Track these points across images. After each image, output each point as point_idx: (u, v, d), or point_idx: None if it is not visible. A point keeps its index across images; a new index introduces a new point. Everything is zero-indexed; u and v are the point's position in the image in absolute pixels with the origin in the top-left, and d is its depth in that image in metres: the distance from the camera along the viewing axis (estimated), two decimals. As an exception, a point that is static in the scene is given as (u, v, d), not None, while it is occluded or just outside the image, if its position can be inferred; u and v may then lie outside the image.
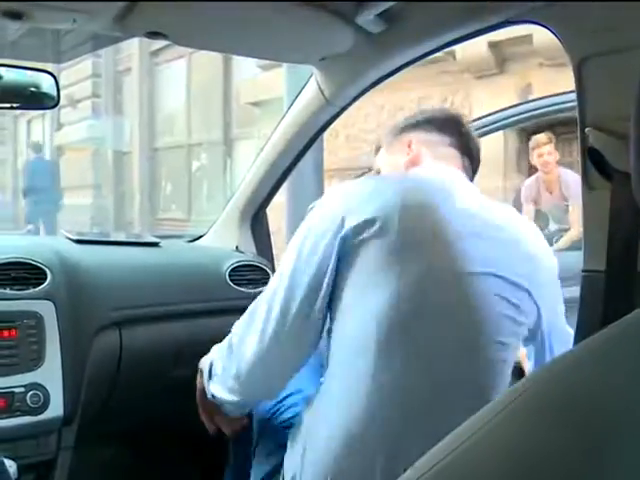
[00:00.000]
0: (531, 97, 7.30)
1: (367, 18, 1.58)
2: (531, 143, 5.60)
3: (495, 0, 1.41)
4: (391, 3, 1.51)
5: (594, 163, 1.51)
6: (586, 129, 1.50)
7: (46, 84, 1.73)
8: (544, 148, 5.39)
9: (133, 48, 12.89)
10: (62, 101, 1.88)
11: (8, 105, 1.79)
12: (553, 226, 5.70)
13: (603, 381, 0.61)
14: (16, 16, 1.44)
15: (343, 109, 2.04)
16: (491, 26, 1.59)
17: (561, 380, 0.63)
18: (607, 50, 1.43)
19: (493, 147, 7.69)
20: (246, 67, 10.28)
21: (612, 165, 1.47)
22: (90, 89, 14.52)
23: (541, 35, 1.55)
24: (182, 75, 12.65)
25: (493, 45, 6.92)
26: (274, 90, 8.76)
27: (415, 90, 8.04)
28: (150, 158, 13.54)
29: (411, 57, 1.77)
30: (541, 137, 5.42)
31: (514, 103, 7.43)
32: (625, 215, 1.46)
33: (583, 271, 1.63)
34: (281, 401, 1.69)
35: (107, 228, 13.31)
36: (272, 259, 2.51)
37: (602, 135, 1.47)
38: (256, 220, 2.47)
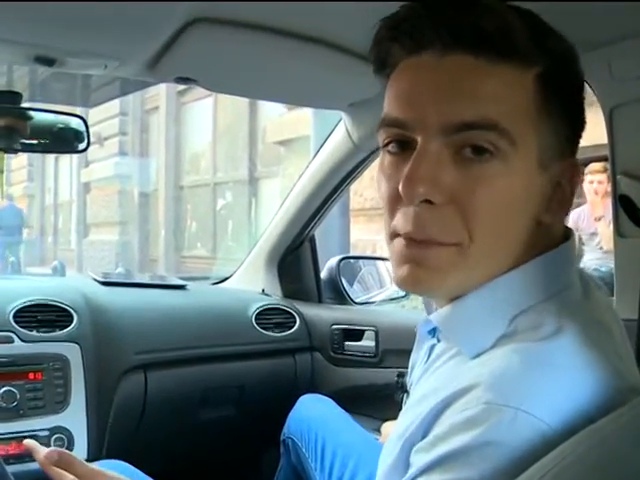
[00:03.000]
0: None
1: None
2: (586, 170, 5.71)
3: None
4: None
5: (626, 210, 1.50)
6: (617, 176, 1.49)
7: (76, 127, 1.74)
8: (597, 176, 5.48)
9: (160, 87, 13.03)
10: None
11: (39, 148, 1.80)
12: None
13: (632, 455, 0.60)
14: (49, 62, 1.46)
15: (372, 153, 2.03)
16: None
17: (602, 445, 0.62)
18: (638, 98, 1.42)
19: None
20: (272, 106, 10.34)
21: (645, 213, 1.46)
22: (117, 127, 14.68)
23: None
24: (208, 114, 12.76)
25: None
26: (300, 129, 8.83)
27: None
28: (176, 196, 13.63)
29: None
30: (597, 166, 5.53)
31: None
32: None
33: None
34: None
35: (132, 265, 13.36)
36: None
37: (634, 182, 1.46)
38: (283, 263, 2.46)
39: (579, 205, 6.23)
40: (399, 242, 0.79)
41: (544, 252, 0.81)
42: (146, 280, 2.46)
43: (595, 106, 1.53)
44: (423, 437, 0.74)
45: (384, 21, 0.81)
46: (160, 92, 13.13)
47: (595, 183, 5.57)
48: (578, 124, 0.82)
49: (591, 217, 5.68)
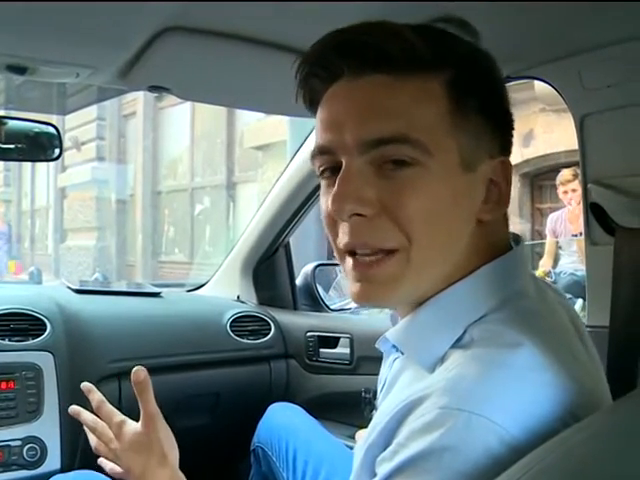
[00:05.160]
0: (533, 142, 7.35)
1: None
2: (557, 179, 5.77)
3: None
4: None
5: (597, 218, 1.51)
6: (588, 185, 1.50)
7: (49, 136, 1.73)
8: (569, 185, 5.57)
9: (138, 93, 12.99)
10: (66, 143, 1.88)
11: (14, 154, 1.79)
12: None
13: (610, 457, 0.60)
14: (20, 70, 1.45)
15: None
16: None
17: (569, 456, 0.62)
18: (609, 107, 1.43)
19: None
20: (249, 112, 10.34)
21: (615, 221, 1.47)
22: (95, 132, 14.62)
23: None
24: (186, 119, 12.73)
25: (495, 91, 6.96)
26: (277, 134, 8.84)
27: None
28: (153, 201, 13.58)
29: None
30: (566, 174, 5.59)
31: (516, 148, 7.49)
32: (629, 270, 1.45)
33: (587, 326, 1.62)
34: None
35: (109, 270, 13.29)
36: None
37: (605, 191, 1.47)
38: (258, 270, 2.46)
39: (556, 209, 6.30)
40: (349, 262, 0.83)
41: (492, 259, 0.83)
42: (122, 287, 2.45)
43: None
44: (385, 447, 0.76)
45: (300, 60, 0.87)
46: (137, 97, 13.09)
47: (570, 192, 5.61)
48: (502, 122, 0.85)
49: (569, 222, 5.74)
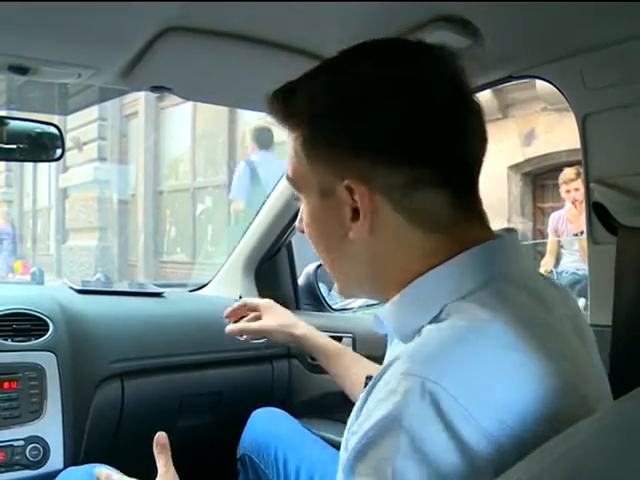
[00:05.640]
0: (534, 141, 7.35)
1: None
2: (560, 178, 5.75)
3: None
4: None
5: (599, 217, 1.51)
6: (591, 184, 1.50)
7: (51, 136, 1.73)
8: (571, 185, 5.53)
9: (139, 92, 12.98)
10: (68, 144, 1.88)
11: (16, 154, 1.79)
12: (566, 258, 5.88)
13: (612, 457, 0.60)
14: (22, 71, 1.45)
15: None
16: (495, 81, 1.60)
17: (570, 455, 0.62)
18: (611, 106, 1.43)
19: (497, 191, 7.70)
20: (251, 111, 10.32)
21: (617, 220, 1.47)
22: (96, 132, 14.61)
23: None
24: (188, 119, 12.72)
25: (497, 91, 6.96)
26: (279, 134, 8.82)
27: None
28: (155, 201, 13.57)
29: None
30: (569, 173, 5.57)
31: (518, 147, 7.50)
32: (631, 269, 1.46)
33: (589, 326, 1.62)
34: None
35: (111, 270, 13.29)
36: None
37: (607, 190, 1.47)
38: (260, 270, 2.46)
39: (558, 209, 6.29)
40: None
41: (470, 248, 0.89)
42: (125, 287, 2.45)
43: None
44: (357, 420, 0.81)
45: None
46: (139, 97, 13.07)
47: (572, 192, 5.59)
48: (345, 154, 0.90)
49: (569, 222, 5.73)
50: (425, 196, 0.88)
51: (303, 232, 1.00)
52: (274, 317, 1.67)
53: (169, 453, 1.30)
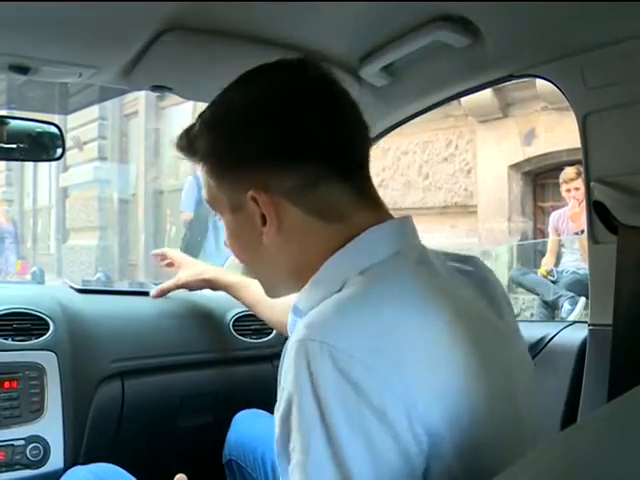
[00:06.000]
0: (535, 141, 7.34)
1: (371, 72, 1.58)
2: (560, 177, 5.75)
3: None
4: (394, 58, 1.51)
5: (600, 217, 1.51)
6: (591, 183, 1.50)
7: (51, 136, 1.73)
8: (572, 184, 5.54)
9: (139, 92, 12.99)
10: (68, 143, 1.88)
11: (16, 154, 1.79)
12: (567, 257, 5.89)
13: (611, 456, 0.60)
14: (22, 70, 1.45)
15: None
16: (495, 80, 1.59)
17: (569, 455, 0.62)
18: (611, 105, 1.43)
19: (498, 190, 7.71)
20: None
21: (618, 219, 1.47)
22: (96, 131, 14.62)
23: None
24: (187, 118, 12.72)
25: (497, 90, 6.95)
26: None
27: (419, 134, 8.09)
28: (155, 201, 13.58)
29: (416, 109, 1.78)
30: (570, 172, 5.57)
31: (518, 146, 7.50)
32: (632, 268, 1.46)
33: (590, 325, 1.62)
34: None
35: (112, 270, 13.29)
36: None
37: (607, 189, 1.47)
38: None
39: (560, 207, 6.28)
40: None
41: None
42: (125, 287, 2.45)
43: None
44: None
45: None
46: (139, 97, 13.08)
47: (572, 191, 5.58)
48: (242, 172, 1.00)
49: (571, 220, 5.72)
50: (321, 191, 0.97)
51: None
52: (186, 269, 2.06)
53: None
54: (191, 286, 2.06)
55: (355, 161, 1.01)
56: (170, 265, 2.11)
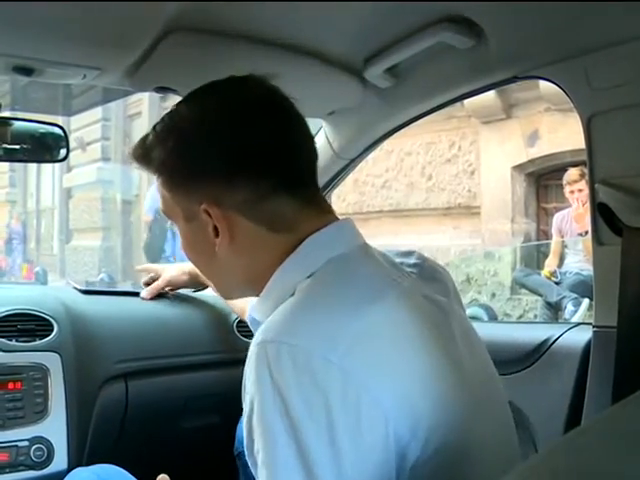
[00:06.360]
0: (538, 142, 7.34)
1: (376, 73, 1.58)
2: (564, 178, 5.75)
3: None
4: (398, 60, 1.51)
5: (604, 218, 1.51)
6: (596, 185, 1.49)
7: (55, 137, 1.73)
8: (575, 185, 5.54)
9: (143, 93, 13.00)
10: (72, 144, 1.88)
11: (20, 155, 1.79)
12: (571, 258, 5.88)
13: (617, 459, 0.60)
14: (27, 72, 1.45)
15: (352, 161, 2.04)
16: (499, 82, 1.59)
17: (575, 458, 0.62)
18: (616, 107, 1.43)
19: (501, 192, 7.70)
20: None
21: (622, 220, 1.46)
22: (100, 132, 14.64)
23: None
24: (191, 119, 12.72)
25: (500, 91, 6.95)
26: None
27: (422, 135, 8.08)
28: (158, 201, 13.58)
29: (420, 111, 1.78)
30: (573, 174, 5.57)
31: (521, 148, 7.50)
32: (636, 270, 1.45)
33: (594, 326, 1.62)
34: None
35: (115, 270, 13.30)
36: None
37: (612, 191, 1.47)
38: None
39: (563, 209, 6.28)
40: None
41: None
42: (129, 287, 2.44)
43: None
44: None
45: None
46: (143, 98, 13.09)
47: (576, 192, 5.58)
48: (194, 186, 1.04)
49: (575, 221, 5.72)
50: (270, 204, 1.01)
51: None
52: (169, 270, 2.16)
53: None
54: (176, 282, 2.15)
55: (303, 173, 1.06)
56: (155, 279, 2.17)
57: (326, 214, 1.06)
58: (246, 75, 1.07)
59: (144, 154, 1.08)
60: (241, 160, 1.01)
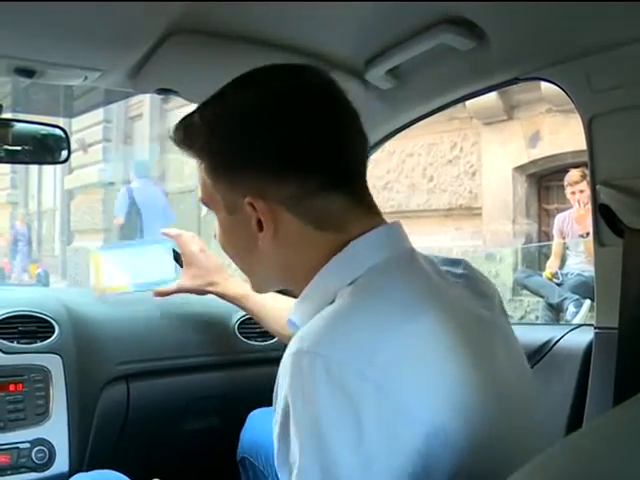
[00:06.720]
0: (539, 143, 7.34)
1: (377, 75, 1.58)
2: (565, 180, 5.76)
3: None
4: (399, 61, 1.51)
5: (605, 220, 1.51)
6: (597, 186, 1.49)
7: (57, 139, 1.73)
8: (576, 186, 5.55)
9: (144, 94, 13.01)
10: (73, 145, 1.88)
11: (22, 156, 1.79)
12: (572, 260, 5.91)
13: (618, 461, 0.60)
14: (28, 73, 1.45)
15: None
16: (501, 83, 1.59)
17: (576, 460, 0.62)
18: (618, 108, 1.43)
19: (502, 192, 7.70)
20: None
21: (623, 222, 1.46)
22: (101, 134, 14.65)
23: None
24: (192, 120, 12.73)
25: (502, 92, 6.94)
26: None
27: (424, 136, 8.08)
28: (160, 202, 13.59)
29: (421, 113, 1.78)
30: (574, 175, 5.57)
31: (523, 149, 7.50)
32: (637, 271, 1.45)
33: (595, 328, 1.62)
34: None
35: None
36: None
37: (613, 192, 1.47)
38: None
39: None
40: None
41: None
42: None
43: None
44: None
45: None
46: (144, 99, 13.10)
47: (577, 193, 5.59)
48: (240, 176, 0.99)
49: (576, 222, 5.73)
50: (318, 201, 0.97)
51: None
52: (195, 271, 1.95)
53: None
54: (193, 293, 1.99)
55: (353, 171, 1.02)
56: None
57: (374, 216, 1.02)
58: (303, 64, 1.04)
59: (187, 137, 1.03)
60: (292, 154, 0.96)
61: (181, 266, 1.99)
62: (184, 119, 1.05)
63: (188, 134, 1.03)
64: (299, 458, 0.81)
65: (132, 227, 8.76)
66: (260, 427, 1.84)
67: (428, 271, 0.99)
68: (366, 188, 1.05)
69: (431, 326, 0.88)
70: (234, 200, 1.00)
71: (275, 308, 1.83)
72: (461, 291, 1.02)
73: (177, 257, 2.01)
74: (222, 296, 1.94)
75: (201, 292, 1.96)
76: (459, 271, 1.06)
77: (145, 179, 9.16)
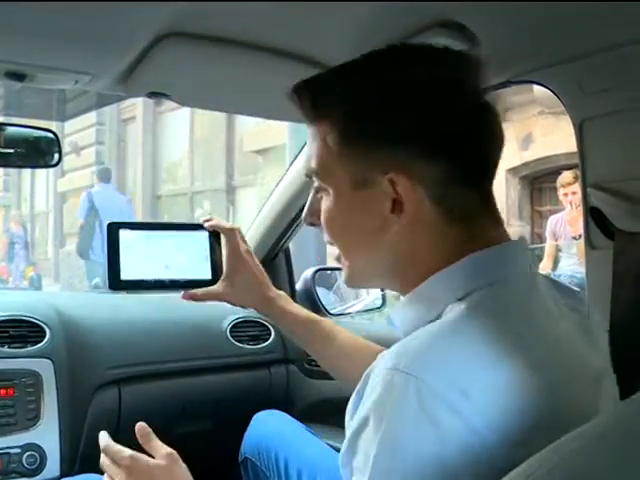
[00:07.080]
0: (532, 145, 7.35)
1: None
2: (558, 181, 5.77)
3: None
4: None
5: (596, 222, 1.51)
6: (588, 189, 1.50)
7: (49, 142, 1.73)
8: (569, 188, 5.56)
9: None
10: (65, 148, 1.87)
11: (14, 159, 1.79)
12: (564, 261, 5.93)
13: (614, 462, 0.60)
14: (19, 77, 1.44)
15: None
16: (492, 86, 1.59)
17: (572, 459, 0.62)
18: (608, 111, 1.43)
19: (495, 194, 7.71)
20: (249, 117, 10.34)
21: (614, 224, 1.47)
22: (94, 136, 14.63)
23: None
24: (185, 123, 12.74)
25: (494, 94, 6.95)
26: (276, 138, 8.84)
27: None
28: (153, 205, 13.58)
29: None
30: (567, 177, 5.59)
31: (515, 151, 7.51)
32: (628, 274, 1.45)
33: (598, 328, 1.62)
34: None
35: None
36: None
37: (604, 195, 1.47)
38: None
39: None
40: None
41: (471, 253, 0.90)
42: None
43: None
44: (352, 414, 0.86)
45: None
46: (137, 102, 13.10)
47: (570, 195, 5.61)
48: (384, 147, 0.91)
49: (568, 224, 5.75)
50: (458, 192, 0.90)
51: (313, 225, 1.04)
52: (236, 286, 1.41)
53: (155, 438, 1.35)
54: (235, 305, 1.49)
55: (491, 171, 0.95)
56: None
57: (500, 224, 0.96)
58: (447, 48, 0.96)
59: (321, 95, 0.95)
60: (443, 135, 0.88)
61: (220, 268, 1.43)
62: (321, 77, 0.99)
63: (322, 93, 0.95)
64: (370, 470, 0.77)
65: (90, 228, 9.24)
66: (263, 428, 1.84)
67: (546, 300, 0.93)
68: (494, 197, 0.97)
69: (532, 364, 0.81)
70: (367, 174, 0.91)
71: (345, 345, 1.49)
72: (572, 329, 0.94)
73: (214, 254, 1.46)
74: (278, 319, 1.49)
75: (245, 306, 1.53)
76: (573, 304, 1.00)
77: (106, 184, 9.72)
